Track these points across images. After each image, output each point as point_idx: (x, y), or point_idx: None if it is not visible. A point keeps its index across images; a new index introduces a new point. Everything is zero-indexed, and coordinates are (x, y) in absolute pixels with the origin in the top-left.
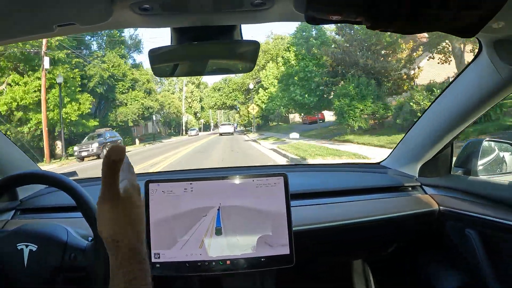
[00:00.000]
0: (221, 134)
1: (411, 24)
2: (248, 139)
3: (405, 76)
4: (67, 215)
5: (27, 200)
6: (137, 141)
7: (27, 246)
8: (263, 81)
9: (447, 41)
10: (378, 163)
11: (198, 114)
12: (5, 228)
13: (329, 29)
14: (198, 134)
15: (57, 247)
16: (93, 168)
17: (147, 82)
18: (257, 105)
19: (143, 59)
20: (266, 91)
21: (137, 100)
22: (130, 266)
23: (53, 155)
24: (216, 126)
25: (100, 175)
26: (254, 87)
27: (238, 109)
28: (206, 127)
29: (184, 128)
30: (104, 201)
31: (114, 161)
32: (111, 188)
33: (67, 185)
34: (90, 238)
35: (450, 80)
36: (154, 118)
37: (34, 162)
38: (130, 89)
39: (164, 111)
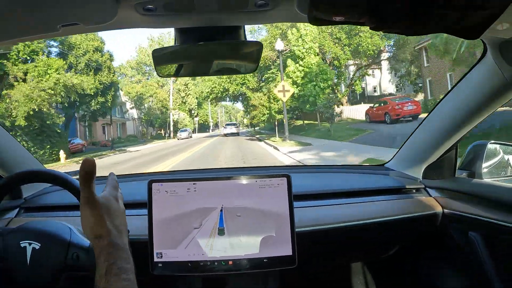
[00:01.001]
0: (225, 135)
1: (415, 25)
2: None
3: None
4: (71, 214)
5: (31, 199)
6: (62, 155)
7: (30, 244)
8: (294, 46)
9: None
10: (382, 164)
11: (193, 111)
12: (9, 226)
13: None
14: (191, 137)
15: (60, 246)
16: (100, 168)
17: (94, 52)
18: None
19: None
20: (302, 62)
21: (50, 74)
22: (110, 255)
23: None
24: (216, 126)
25: (107, 175)
26: (283, 53)
27: (246, 100)
28: (204, 128)
29: (172, 129)
30: (84, 204)
31: (87, 172)
32: (88, 193)
33: (71, 184)
34: None
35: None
36: (135, 116)
37: (38, 161)
38: (41, 53)
39: (145, 105)
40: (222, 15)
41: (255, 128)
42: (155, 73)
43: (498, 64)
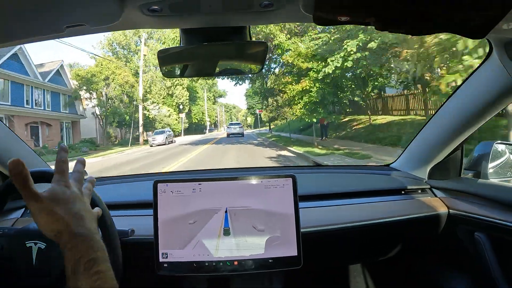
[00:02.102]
0: (229, 135)
1: (421, 25)
2: None
3: None
4: None
5: None
6: None
7: (36, 244)
8: None
9: None
10: (388, 165)
11: (183, 107)
12: (15, 226)
13: None
14: (172, 142)
15: None
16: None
17: None
18: None
19: None
20: None
21: None
22: (75, 248)
23: None
24: (215, 126)
25: (112, 175)
26: None
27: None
28: (200, 128)
29: (142, 130)
30: (29, 204)
31: (16, 173)
32: (27, 192)
33: None
34: None
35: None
36: (96, 111)
37: (43, 161)
38: None
39: (96, 92)
40: (227, 15)
41: (271, 130)
42: (135, 57)
43: (504, 63)
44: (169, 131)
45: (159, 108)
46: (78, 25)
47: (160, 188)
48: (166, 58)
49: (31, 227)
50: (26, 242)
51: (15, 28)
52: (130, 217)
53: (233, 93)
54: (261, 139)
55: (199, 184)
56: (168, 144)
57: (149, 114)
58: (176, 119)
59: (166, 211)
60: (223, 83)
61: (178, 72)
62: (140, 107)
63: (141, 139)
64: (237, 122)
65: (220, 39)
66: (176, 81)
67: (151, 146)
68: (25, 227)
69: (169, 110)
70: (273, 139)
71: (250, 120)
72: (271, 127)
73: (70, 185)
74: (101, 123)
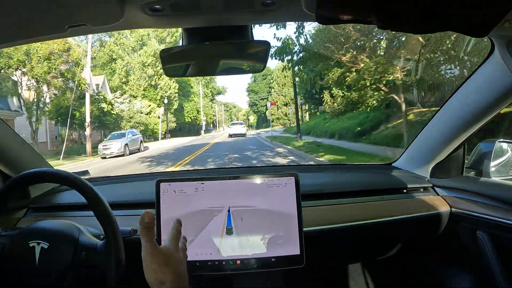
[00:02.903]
0: (230, 136)
1: (424, 24)
2: None
3: None
4: (79, 214)
5: (39, 198)
6: None
7: (38, 243)
8: None
9: None
10: (390, 163)
11: (169, 102)
12: (18, 226)
13: None
14: (140, 150)
15: (69, 245)
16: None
17: None
18: None
19: None
20: None
21: None
22: None
23: None
24: (213, 125)
25: (113, 175)
26: None
27: None
28: (195, 128)
29: (89, 133)
30: (146, 254)
31: (147, 223)
32: (149, 243)
33: (79, 184)
34: (101, 237)
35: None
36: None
37: (46, 161)
38: None
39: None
40: (229, 14)
41: (300, 135)
42: (110, 39)
43: (506, 61)
44: (135, 134)
45: (130, 101)
46: (80, 25)
47: (162, 188)
48: (168, 58)
49: (34, 227)
50: (29, 242)
51: (17, 28)
52: (132, 216)
53: (233, 92)
54: (286, 152)
55: (202, 183)
56: (129, 154)
57: (110, 108)
58: (159, 117)
59: (169, 211)
60: (223, 79)
61: (180, 71)
62: (87, 96)
63: (88, 147)
64: (240, 121)
65: (222, 38)
66: (160, 69)
67: (103, 158)
68: (28, 227)
69: (149, 105)
70: (322, 154)
71: (252, 119)
72: (278, 128)
73: (179, 250)
74: (32, 120)
